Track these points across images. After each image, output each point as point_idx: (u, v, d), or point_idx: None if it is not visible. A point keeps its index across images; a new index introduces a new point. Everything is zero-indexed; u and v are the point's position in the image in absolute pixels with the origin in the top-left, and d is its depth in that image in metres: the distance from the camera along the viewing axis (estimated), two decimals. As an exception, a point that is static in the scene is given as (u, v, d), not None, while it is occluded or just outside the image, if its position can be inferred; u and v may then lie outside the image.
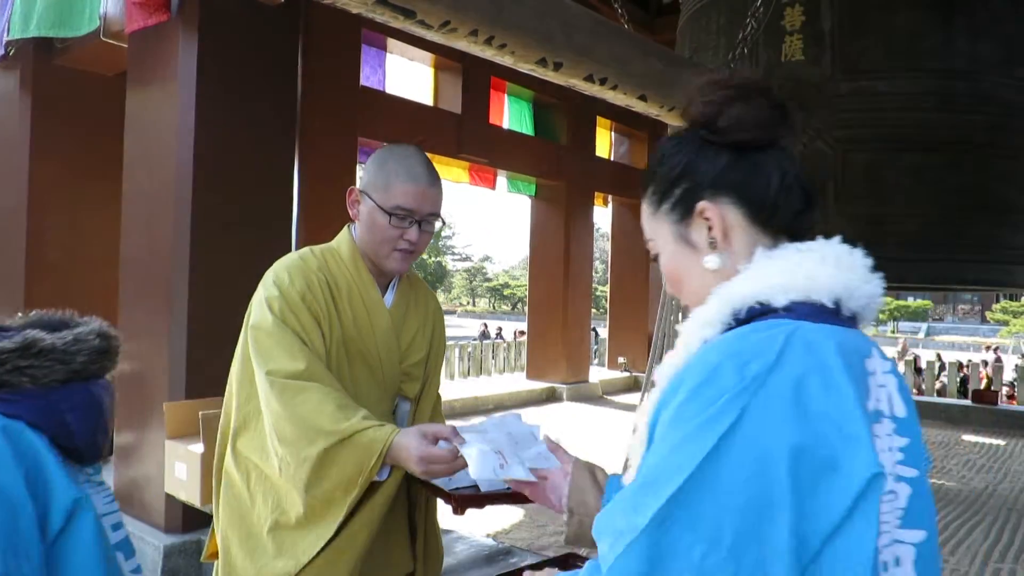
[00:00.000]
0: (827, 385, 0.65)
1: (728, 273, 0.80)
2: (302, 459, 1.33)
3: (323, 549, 1.38)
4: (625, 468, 0.84)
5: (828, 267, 0.75)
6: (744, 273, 0.78)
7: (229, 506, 1.49)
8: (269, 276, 1.48)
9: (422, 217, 1.50)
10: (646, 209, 0.90)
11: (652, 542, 0.64)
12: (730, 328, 0.74)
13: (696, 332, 0.77)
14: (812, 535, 0.62)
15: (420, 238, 1.51)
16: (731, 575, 0.61)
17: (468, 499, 1.43)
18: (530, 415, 7.98)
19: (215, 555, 1.53)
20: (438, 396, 1.75)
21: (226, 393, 1.54)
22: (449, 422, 1.79)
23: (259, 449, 1.43)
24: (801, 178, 0.82)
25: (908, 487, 0.67)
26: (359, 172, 7.01)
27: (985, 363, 13.93)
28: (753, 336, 0.69)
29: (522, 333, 15.34)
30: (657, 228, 0.89)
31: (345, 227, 1.60)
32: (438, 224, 1.56)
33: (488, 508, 1.52)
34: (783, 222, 0.81)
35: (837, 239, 0.79)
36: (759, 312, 0.73)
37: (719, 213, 0.82)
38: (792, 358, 0.66)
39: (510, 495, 1.42)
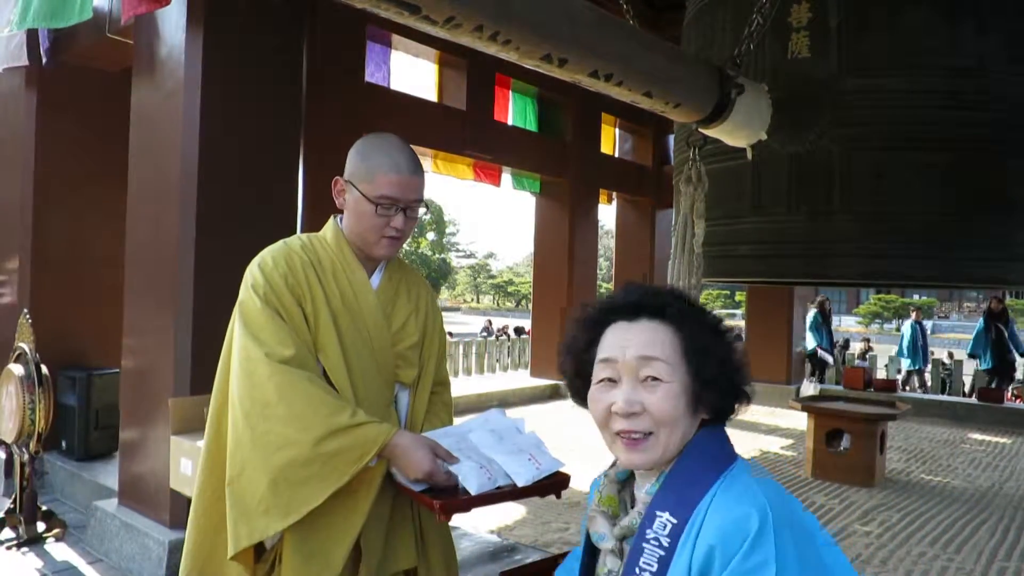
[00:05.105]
0: None
1: None
2: (292, 441, 1.38)
3: (312, 527, 1.42)
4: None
5: None
6: None
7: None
8: (255, 261, 1.56)
9: (407, 204, 1.56)
10: None
11: None
12: None
13: None
14: None
15: (405, 224, 1.58)
16: None
17: (454, 504, 1.43)
18: (533, 412, 7.97)
19: None
20: (445, 388, 1.78)
21: (218, 374, 1.56)
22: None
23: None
24: None
25: None
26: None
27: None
28: None
29: (518, 330, 15.34)
30: None
31: (331, 217, 1.66)
32: (422, 210, 1.63)
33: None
34: None
35: None
36: None
37: None
38: None
39: (496, 495, 1.46)
